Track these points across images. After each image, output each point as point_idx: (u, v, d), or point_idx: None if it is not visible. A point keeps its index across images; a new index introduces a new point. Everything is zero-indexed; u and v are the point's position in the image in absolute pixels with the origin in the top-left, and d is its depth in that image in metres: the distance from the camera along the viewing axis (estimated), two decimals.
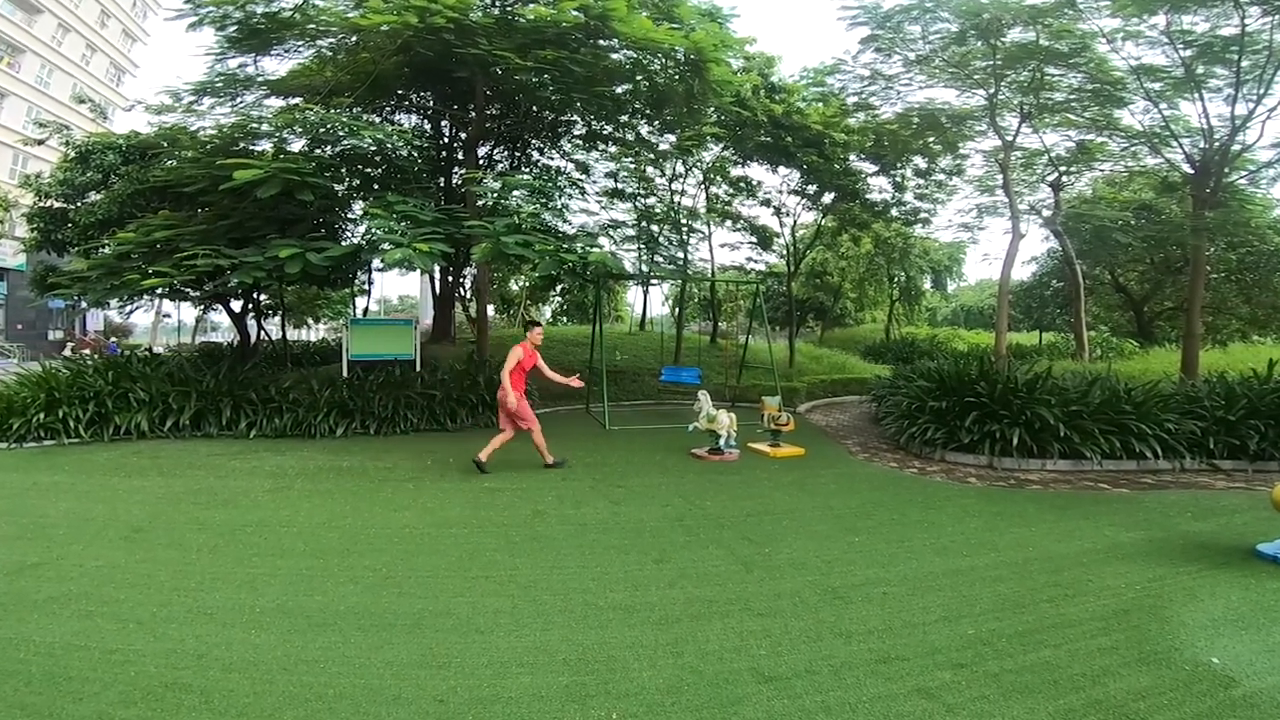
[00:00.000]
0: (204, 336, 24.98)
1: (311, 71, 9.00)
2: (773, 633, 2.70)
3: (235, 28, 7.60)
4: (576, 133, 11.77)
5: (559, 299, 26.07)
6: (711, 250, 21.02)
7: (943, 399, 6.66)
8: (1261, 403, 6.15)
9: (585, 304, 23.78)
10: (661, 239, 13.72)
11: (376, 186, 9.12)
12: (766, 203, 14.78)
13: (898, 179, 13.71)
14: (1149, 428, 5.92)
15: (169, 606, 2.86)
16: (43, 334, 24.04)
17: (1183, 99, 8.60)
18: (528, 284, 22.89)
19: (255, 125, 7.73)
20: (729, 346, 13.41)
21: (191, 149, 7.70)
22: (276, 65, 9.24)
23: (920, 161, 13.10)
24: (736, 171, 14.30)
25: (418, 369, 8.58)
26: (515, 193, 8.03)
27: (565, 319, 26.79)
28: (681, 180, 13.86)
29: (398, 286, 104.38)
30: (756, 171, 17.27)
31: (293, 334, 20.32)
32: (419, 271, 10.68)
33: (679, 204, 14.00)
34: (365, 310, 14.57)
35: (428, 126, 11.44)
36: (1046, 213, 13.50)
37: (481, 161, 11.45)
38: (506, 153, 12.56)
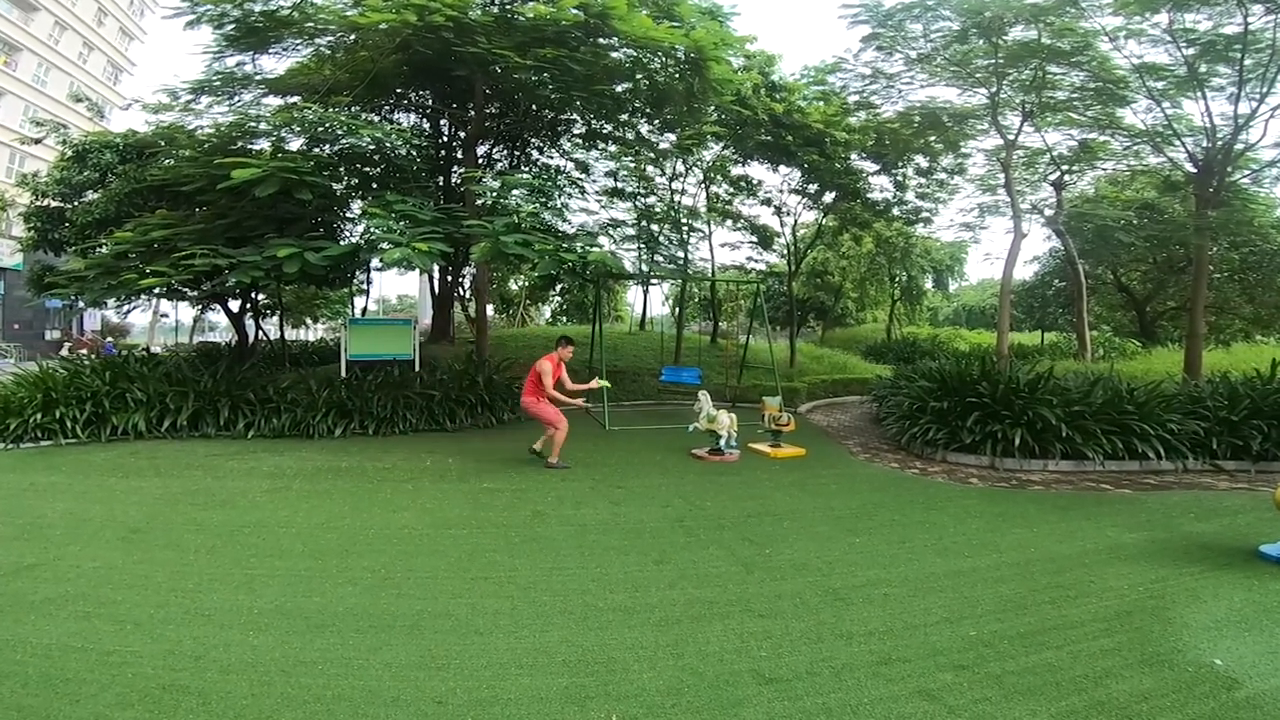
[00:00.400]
0: (202, 336, 24.95)
1: (310, 70, 8.97)
2: (773, 634, 2.69)
3: (233, 26, 7.58)
4: (576, 131, 11.75)
5: (558, 299, 26.05)
6: (712, 250, 21.03)
7: (944, 399, 6.65)
8: (1264, 403, 6.14)
9: (585, 304, 23.77)
10: (661, 238, 13.69)
11: (375, 185, 9.10)
12: (767, 202, 14.76)
13: (899, 178, 13.68)
14: (1151, 428, 5.91)
15: (166, 608, 2.85)
16: (40, 334, 24.02)
17: (1185, 98, 8.58)
18: (527, 284, 22.88)
19: (253, 124, 7.71)
20: (729, 346, 13.39)
21: (189, 148, 7.68)
22: (275, 64, 9.23)
23: (921, 160, 13.07)
24: (737, 170, 14.28)
25: (417, 369, 8.56)
26: (514, 192, 8.01)
27: (565, 319, 26.77)
28: (682, 179, 13.84)
29: (396, 286, 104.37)
30: (757, 170, 17.27)
31: (291, 334, 20.26)
32: (418, 271, 10.66)
33: (679, 203, 13.98)
34: (364, 310, 14.53)
35: (427, 125, 11.42)
36: (1049, 212, 13.48)
37: (481, 160, 11.43)
38: (506, 152, 12.54)
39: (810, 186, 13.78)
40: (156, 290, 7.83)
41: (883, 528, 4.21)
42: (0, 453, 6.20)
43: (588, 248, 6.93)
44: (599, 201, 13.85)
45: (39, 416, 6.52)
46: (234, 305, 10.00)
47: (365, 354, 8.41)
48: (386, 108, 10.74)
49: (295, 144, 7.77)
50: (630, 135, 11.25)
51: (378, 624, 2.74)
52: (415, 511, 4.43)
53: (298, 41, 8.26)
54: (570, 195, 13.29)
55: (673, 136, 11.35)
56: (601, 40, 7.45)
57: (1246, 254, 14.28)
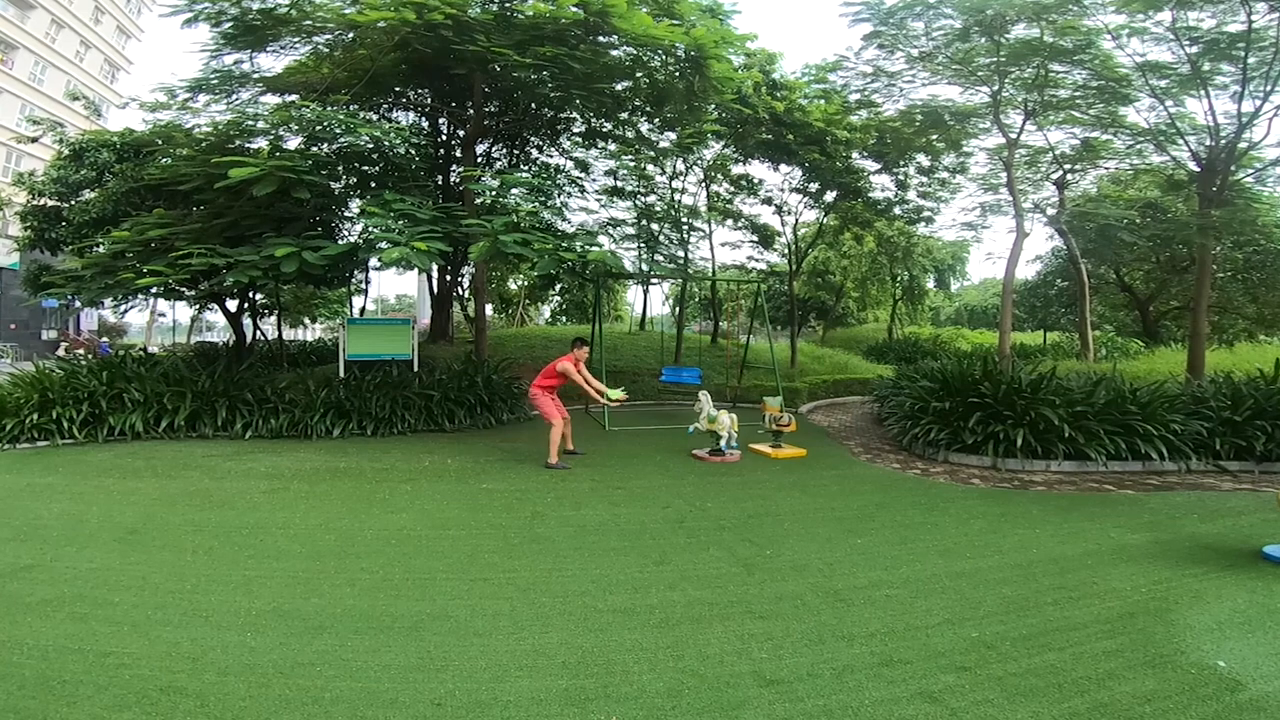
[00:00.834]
0: (199, 336, 24.95)
1: (308, 68, 8.95)
2: (774, 635, 2.67)
3: (230, 24, 7.55)
4: (576, 130, 11.72)
5: (558, 298, 26.01)
6: (712, 249, 21.06)
7: (946, 399, 6.63)
8: (1268, 403, 6.12)
9: (584, 303, 23.75)
10: (662, 237, 13.67)
11: (374, 184, 9.06)
12: (768, 201, 14.73)
13: (900, 177, 13.66)
14: (1154, 428, 5.89)
15: (164, 609, 2.83)
16: (36, 334, 23.96)
17: (1189, 96, 8.53)
18: (526, 283, 22.85)
19: (251, 123, 7.67)
20: (730, 346, 13.36)
21: (186, 146, 7.64)
22: (273, 62, 9.23)
23: (923, 159, 13.05)
24: (737, 169, 14.25)
25: (415, 369, 8.54)
26: (514, 191, 7.99)
27: (564, 318, 26.73)
28: (682, 178, 13.81)
29: (395, 285, 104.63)
30: (758, 169, 17.27)
31: (289, 334, 20.26)
32: (416, 271, 10.65)
33: (679, 202, 13.96)
34: (362, 310, 14.51)
35: (425, 124, 11.40)
36: (1051, 211, 13.43)
37: (480, 159, 11.42)
38: (505, 150, 12.51)
39: (811, 185, 13.76)
40: (153, 290, 7.83)
41: (884, 529, 4.19)
42: None
43: (587, 247, 6.90)
44: (599, 200, 13.85)
45: (36, 417, 6.50)
46: (232, 305, 9.97)
47: (363, 354, 8.39)
48: (385, 106, 10.72)
49: (293, 143, 7.73)
50: (630, 134, 11.23)
51: (376, 625, 2.72)
52: (414, 512, 4.41)
53: (296, 39, 8.23)
54: (570, 194, 13.29)
55: (673, 135, 11.33)
56: (601, 38, 7.42)
57: (1250, 253, 14.26)
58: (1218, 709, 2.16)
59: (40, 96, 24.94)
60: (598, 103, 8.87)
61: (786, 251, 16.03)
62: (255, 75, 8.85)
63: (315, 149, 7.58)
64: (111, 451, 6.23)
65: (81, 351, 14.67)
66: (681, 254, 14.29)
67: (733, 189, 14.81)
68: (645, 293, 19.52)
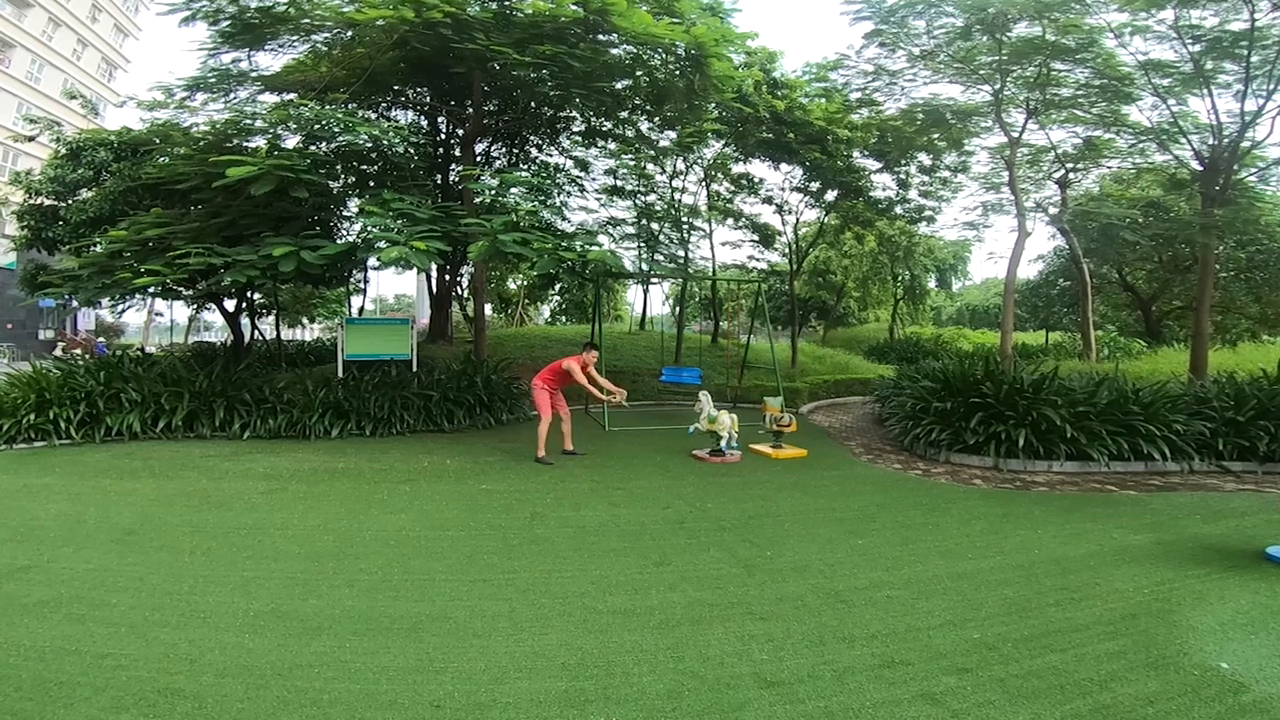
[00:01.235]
0: (197, 336, 24.90)
1: (306, 67, 8.92)
2: (775, 637, 2.66)
3: (228, 22, 7.54)
4: (575, 129, 11.70)
5: (557, 298, 25.99)
6: (713, 248, 21.01)
7: (947, 400, 6.61)
8: (1271, 403, 6.10)
9: (584, 303, 23.72)
10: (662, 237, 13.65)
11: (372, 184, 9.05)
12: (768, 200, 14.72)
13: (902, 176, 13.64)
14: (1157, 429, 5.88)
15: (161, 610, 2.82)
16: (33, 333, 23.94)
17: (1191, 95, 8.51)
18: (526, 283, 22.83)
19: (249, 121, 7.66)
20: (730, 346, 13.34)
21: (184, 145, 7.63)
22: (271, 60, 9.21)
23: (925, 158, 13.03)
24: (738, 168, 14.23)
25: (414, 369, 8.52)
26: (513, 190, 7.97)
27: (564, 318, 26.71)
28: (682, 177, 13.80)
29: (394, 285, 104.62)
30: (758, 168, 17.20)
31: (287, 334, 20.22)
32: (415, 270, 10.62)
33: (679, 201, 13.94)
34: (361, 309, 14.46)
35: (425, 123, 11.37)
36: (1053, 210, 13.42)
37: (479, 158, 11.39)
38: (504, 149, 12.49)
39: (812, 184, 13.73)
40: (151, 289, 7.81)
41: (885, 529, 4.18)
42: None
43: (587, 246, 6.88)
44: (598, 199, 13.83)
45: (33, 417, 6.49)
46: (230, 305, 9.94)
47: (362, 354, 8.37)
48: (384, 105, 10.69)
49: (291, 141, 7.73)
50: (630, 132, 11.21)
51: (375, 626, 2.71)
52: (413, 513, 4.39)
53: (294, 38, 8.22)
54: (569, 193, 13.26)
55: (673, 134, 11.31)
56: (601, 36, 7.40)
57: (1253, 253, 14.23)
58: (1220, 711, 2.15)
59: (37, 95, 24.90)
60: (597, 101, 8.85)
61: (787, 251, 16.01)
62: (253, 74, 8.83)
63: (313, 148, 7.57)
64: (109, 452, 6.22)
65: (78, 351, 14.64)
66: (682, 253, 14.27)
67: (733, 188, 14.79)
68: (645, 292, 19.53)
